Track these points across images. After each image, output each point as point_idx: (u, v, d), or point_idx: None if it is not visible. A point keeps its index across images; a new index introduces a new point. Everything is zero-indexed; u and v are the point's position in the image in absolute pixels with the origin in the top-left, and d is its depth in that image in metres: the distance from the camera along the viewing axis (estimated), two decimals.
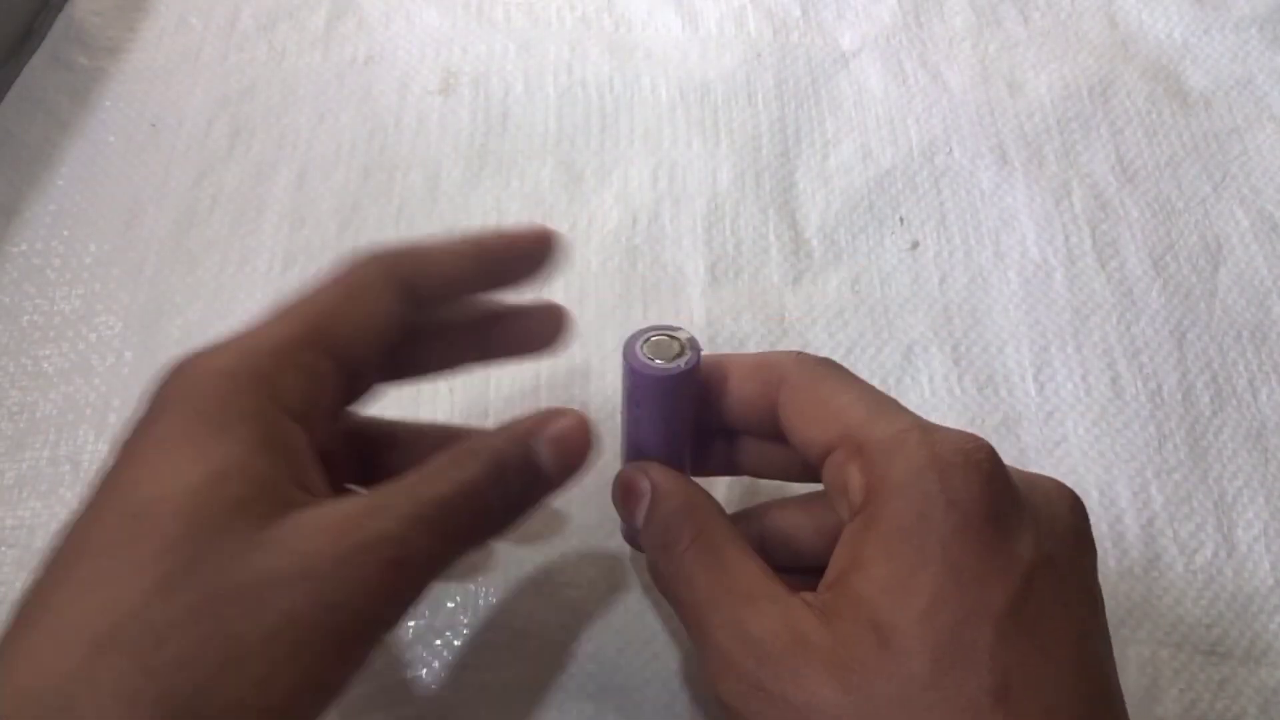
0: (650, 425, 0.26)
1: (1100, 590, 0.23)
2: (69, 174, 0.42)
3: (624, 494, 0.26)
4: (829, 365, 0.25)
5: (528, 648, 0.31)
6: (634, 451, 0.27)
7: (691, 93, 0.46)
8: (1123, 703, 0.22)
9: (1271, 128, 0.46)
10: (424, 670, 0.31)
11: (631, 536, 0.30)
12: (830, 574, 0.22)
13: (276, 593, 0.20)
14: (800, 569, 0.26)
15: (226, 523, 0.20)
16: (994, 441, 0.37)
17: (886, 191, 0.43)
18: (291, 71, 0.46)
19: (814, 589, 0.23)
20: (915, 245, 0.42)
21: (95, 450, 0.35)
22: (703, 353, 0.25)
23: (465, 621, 0.31)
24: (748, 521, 0.28)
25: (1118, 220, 0.43)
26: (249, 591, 0.20)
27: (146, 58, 0.46)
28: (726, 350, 0.38)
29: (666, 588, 0.25)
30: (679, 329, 0.25)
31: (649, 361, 0.24)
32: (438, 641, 0.31)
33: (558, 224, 0.42)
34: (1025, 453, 0.37)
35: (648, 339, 0.25)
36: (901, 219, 0.43)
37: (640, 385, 0.25)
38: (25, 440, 0.36)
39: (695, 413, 0.26)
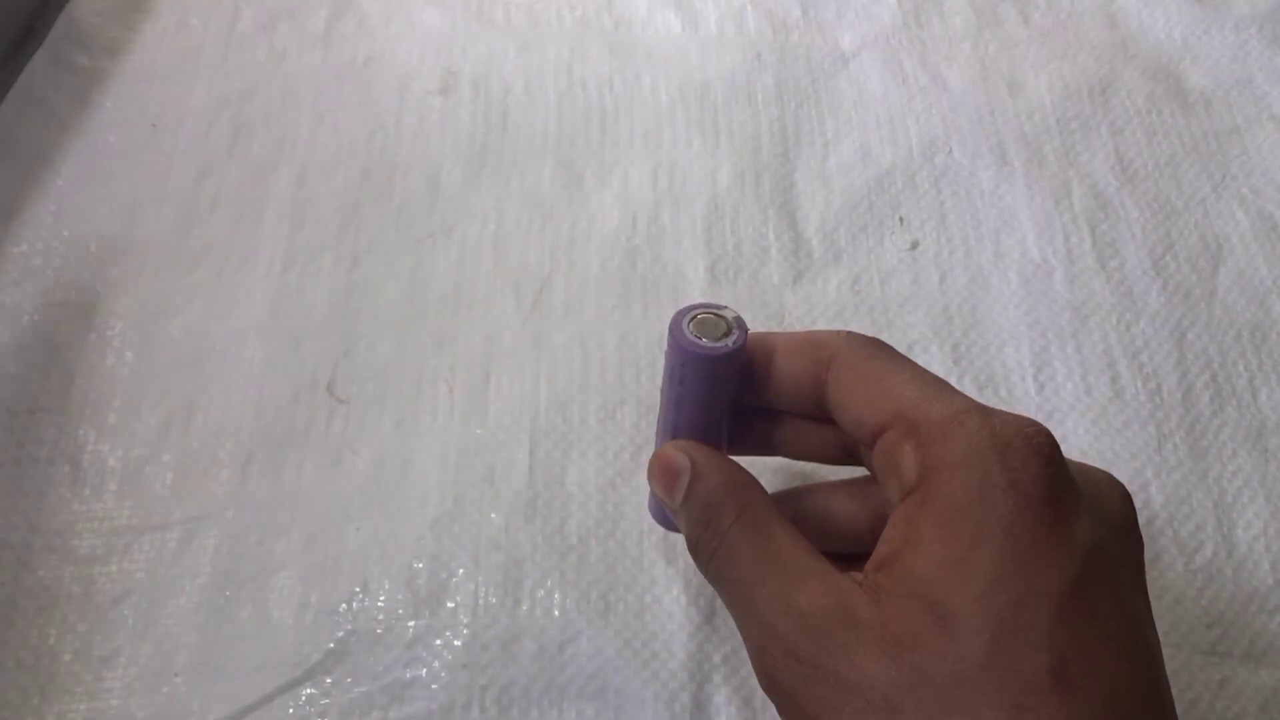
0: (692, 404, 0.26)
1: (1147, 588, 0.23)
2: (69, 174, 0.42)
3: (662, 472, 0.26)
4: (880, 344, 0.25)
5: (527, 648, 0.31)
6: (672, 430, 0.27)
7: (691, 93, 0.46)
8: (1170, 694, 0.21)
9: (1271, 127, 0.46)
10: (424, 670, 0.31)
11: (663, 515, 0.29)
12: (880, 554, 0.22)
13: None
14: (835, 554, 0.26)
15: None
16: None
17: (886, 191, 0.43)
18: (291, 72, 0.46)
19: (857, 572, 0.23)
20: (915, 245, 0.42)
21: (95, 450, 0.35)
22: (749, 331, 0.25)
23: (465, 621, 0.31)
24: (782, 504, 0.27)
25: (1117, 220, 0.43)
26: None
27: (147, 58, 0.46)
28: None
29: (709, 565, 0.24)
30: (725, 307, 0.25)
31: (696, 340, 0.24)
32: (438, 641, 0.31)
33: (557, 224, 0.42)
34: None
35: (694, 316, 0.25)
36: (901, 219, 0.43)
37: (687, 364, 0.25)
38: (25, 440, 0.36)
39: (737, 391, 0.26)
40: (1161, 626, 0.33)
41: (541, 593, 0.32)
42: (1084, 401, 0.38)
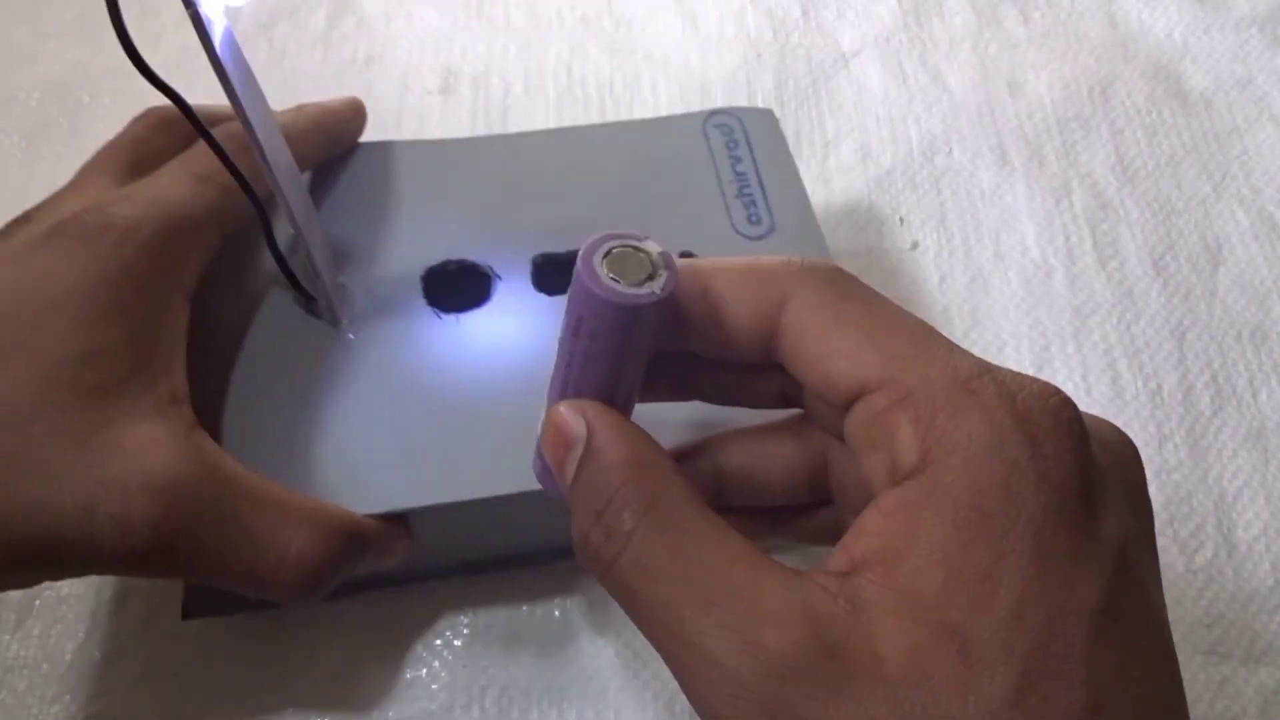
0: (601, 361, 0.20)
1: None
2: (68, 172, 0.42)
3: (554, 439, 0.20)
4: (846, 278, 0.20)
5: (527, 648, 0.31)
6: (570, 389, 0.20)
7: (691, 93, 0.46)
8: (1184, 696, 0.18)
9: (1272, 128, 0.46)
10: (424, 670, 0.30)
11: (551, 481, 0.21)
12: (862, 550, 0.17)
13: (52, 505, 0.21)
14: (762, 510, 0.22)
15: (71, 405, 0.21)
16: None
17: (886, 192, 0.43)
18: (291, 71, 0.46)
19: (820, 572, 0.18)
20: (915, 245, 0.42)
21: None
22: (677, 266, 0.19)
23: (465, 622, 0.31)
24: (698, 459, 0.23)
25: (1118, 220, 0.43)
26: (39, 481, 0.20)
27: (146, 55, 0.46)
28: None
29: (606, 574, 0.18)
30: (646, 238, 0.19)
31: (613, 284, 0.18)
32: (438, 641, 0.31)
33: None
34: None
35: (608, 251, 0.19)
36: (901, 219, 0.43)
37: (600, 314, 0.19)
38: None
39: (659, 341, 0.20)
40: None
41: (542, 593, 0.32)
42: (1084, 401, 0.38)
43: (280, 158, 0.24)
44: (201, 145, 0.25)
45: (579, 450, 0.19)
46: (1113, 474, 0.18)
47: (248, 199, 0.25)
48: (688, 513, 0.18)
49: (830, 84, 0.47)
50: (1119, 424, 0.37)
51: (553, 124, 0.45)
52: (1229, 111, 0.46)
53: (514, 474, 0.24)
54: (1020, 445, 0.17)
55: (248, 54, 0.47)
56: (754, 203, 0.33)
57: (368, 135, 0.44)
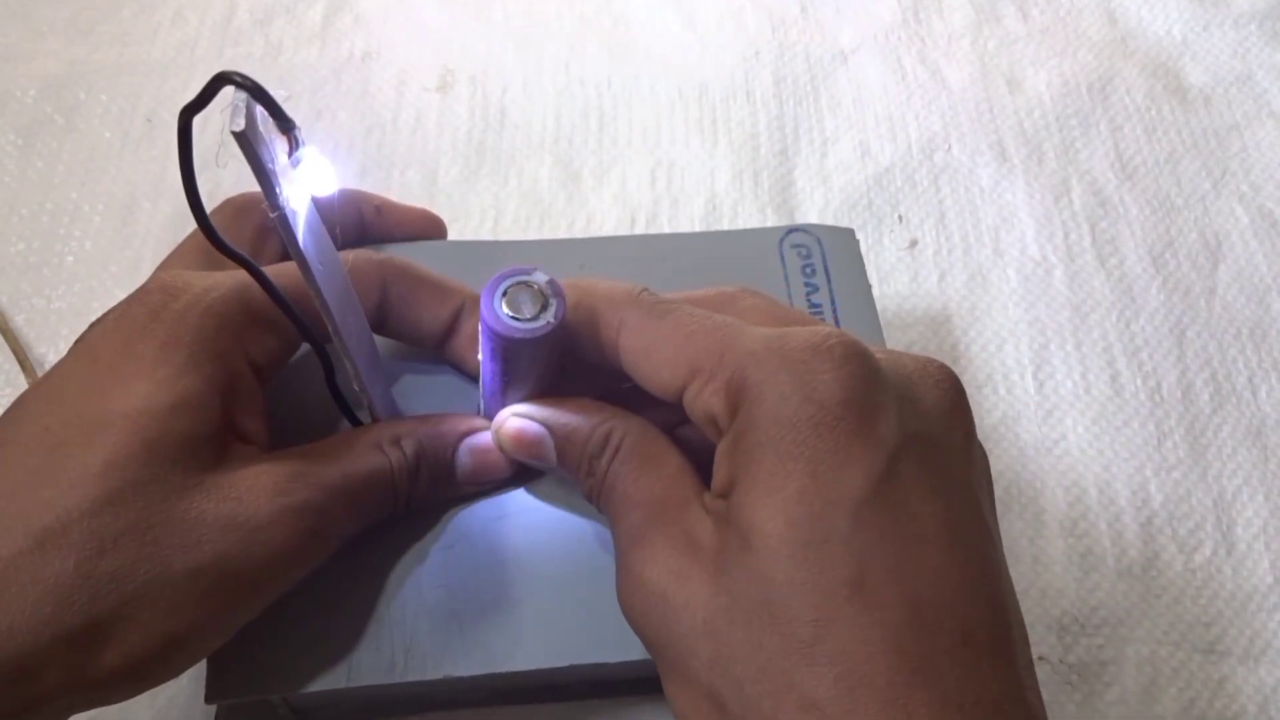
0: (517, 379, 0.25)
1: (983, 468, 0.23)
2: (64, 170, 0.42)
3: (520, 445, 0.26)
4: (670, 303, 0.24)
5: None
6: (501, 402, 0.26)
7: (690, 91, 0.46)
8: (1004, 586, 0.21)
9: (1271, 124, 0.46)
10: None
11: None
12: (715, 487, 0.22)
13: (209, 533, 0.22)
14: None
15: (177, 454, 0.22)
16: (993, 440, 0.37)
17: (885, 189, 0.43)
18: (288, 67, 0.46)
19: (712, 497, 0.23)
20: (914, 243, 0.42)
21: None
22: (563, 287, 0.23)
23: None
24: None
25: (1117, 218, 0.43)
26: (185, 526, 0.21)
27: (142, 52, 0.46)
28: None
29: (597, 504, 0.25)
30: (534, 270, 0.23)
31: (511, 321, 0.22)
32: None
33: (556, 223, 0.42)
34: (1024, 451, 0.37)
35: (504, 290, 0.23)
36: (900, 217, 0.42)
37: (505, 345, 0.23)
38: None
39: (561, 353, 0.25)
40: (1160, 625, 0.33)
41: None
42: (1083, 400, 0.38)
43: (353, 325, 0.24)
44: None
45: (549, 443, 0.25)
46: (902, 392, 0.21)
47: (311, 345, 0.25)
48: (639, 450, 0.24)
49: (829, 81, 0.47)
50: (1118, 422, 0.37)
51: (550, 122, 0.45)
52: (1228, 108, 0.46)
53: (556, 647, 0.26)
54: (785, 381, 0.21)
55: (244, 49, 0.47)
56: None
57: (367, 133, 0.44)
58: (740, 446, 0.21)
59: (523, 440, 0.26)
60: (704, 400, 0.22)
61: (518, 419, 0.26)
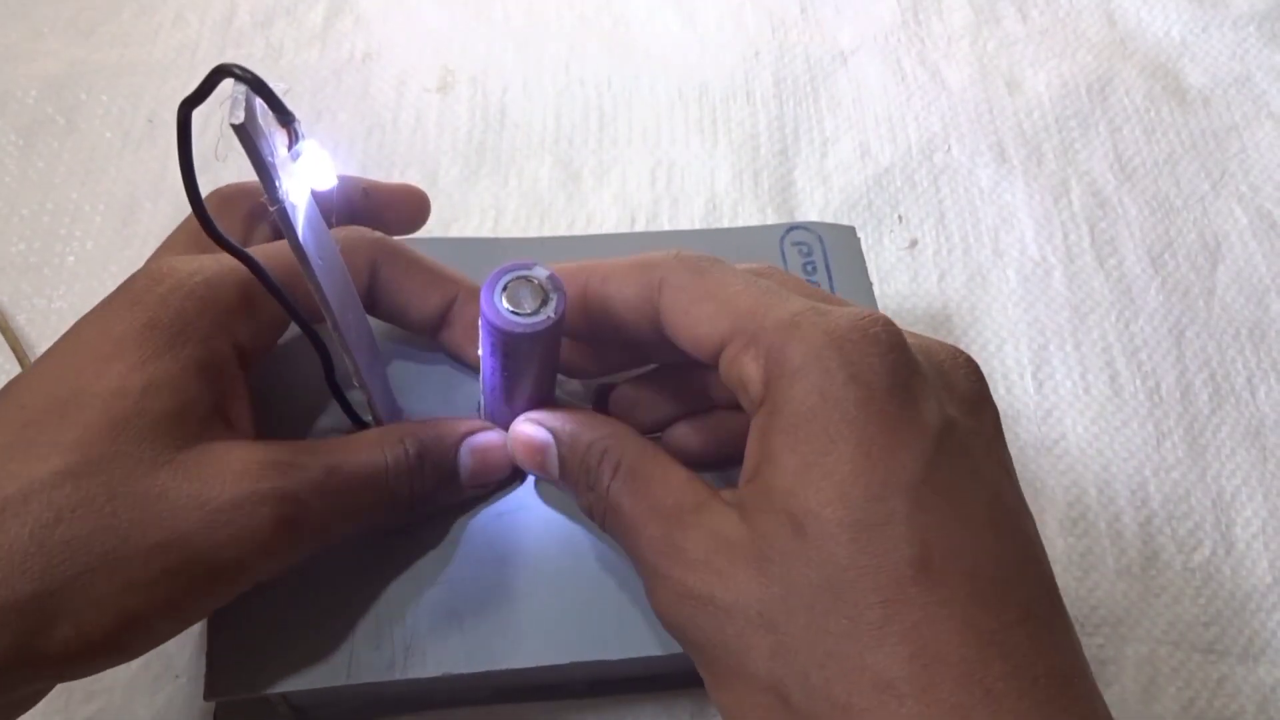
0: (524, 375, 0.24)
1: (1008, 454, 0.23)
2: (65, 170, 0.42)
3: (526, 451, 0.26)
4: (711, 260, 0.24)
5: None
6: (501, 396, 0.25)
7: (690, 91, 0.46)
8: (1048, 567, 0.21)
9: (1270, 125, 0.46)
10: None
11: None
12: (746, 469, 0.22)
13: (169, 510, 0.21)
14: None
15: (148, 433, 0.22)
16: None
17: (885, 190, 0.43)
18: (289, 68, 0.46)
19: (730, 490, 0.23)
20: (914, 243, 0.42)
21: None
22: (568, 265, 0.23)
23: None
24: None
25: (1116, 218, 0.43)
26: (146, 501, 0.21)
27: (143, 53, 0.46)
28: None
29: (603, 524, 0.25)
30: (533, 266, 0.23)
31: (512, 316, 0.22)
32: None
33: (556, 223, 0.42)
34: (1024, 450, 0.37)
35: (505, 285, 0.22)
36: (900, 217, 0.42)
37: (506, 340, 0.23)
38: None
39: (559, 345, 0.25)
40: (1159, 624, 0.33)
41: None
42: (1083, 400, 0.38)
43: (351, 319, 0.24)
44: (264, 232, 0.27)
45: (552, 452, 0.25)
46: (938, 379, 0.22)
47: (309, 338, 0.25)
48: (644, 463, 0.24)
49: (829, 82, 0.47)
50: (1117, 422, 0.37)
51: (550, 122, 0.45)
52: (1227, 109, 0.46)
53: (561, 645, 0.26)
54: (831, 358, 0.20)
55: (244, 50, 0.47)
56: None
57: (367, 134, 0.44)
58: (778, 423, 0.21)
59: (531, 446, 0.26)
60: (741, 364, 0.22)
61: (528, 424, 0.26)
